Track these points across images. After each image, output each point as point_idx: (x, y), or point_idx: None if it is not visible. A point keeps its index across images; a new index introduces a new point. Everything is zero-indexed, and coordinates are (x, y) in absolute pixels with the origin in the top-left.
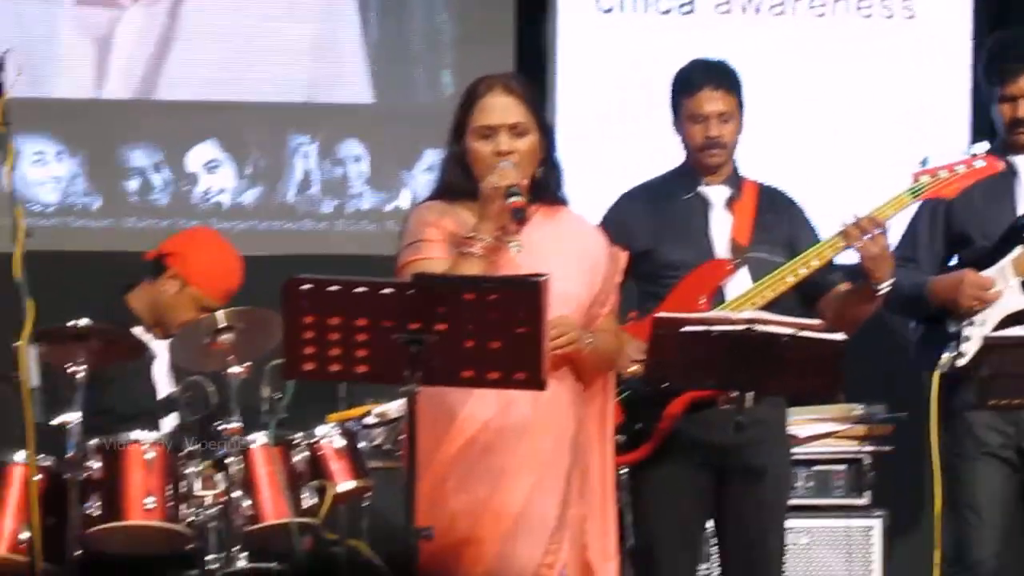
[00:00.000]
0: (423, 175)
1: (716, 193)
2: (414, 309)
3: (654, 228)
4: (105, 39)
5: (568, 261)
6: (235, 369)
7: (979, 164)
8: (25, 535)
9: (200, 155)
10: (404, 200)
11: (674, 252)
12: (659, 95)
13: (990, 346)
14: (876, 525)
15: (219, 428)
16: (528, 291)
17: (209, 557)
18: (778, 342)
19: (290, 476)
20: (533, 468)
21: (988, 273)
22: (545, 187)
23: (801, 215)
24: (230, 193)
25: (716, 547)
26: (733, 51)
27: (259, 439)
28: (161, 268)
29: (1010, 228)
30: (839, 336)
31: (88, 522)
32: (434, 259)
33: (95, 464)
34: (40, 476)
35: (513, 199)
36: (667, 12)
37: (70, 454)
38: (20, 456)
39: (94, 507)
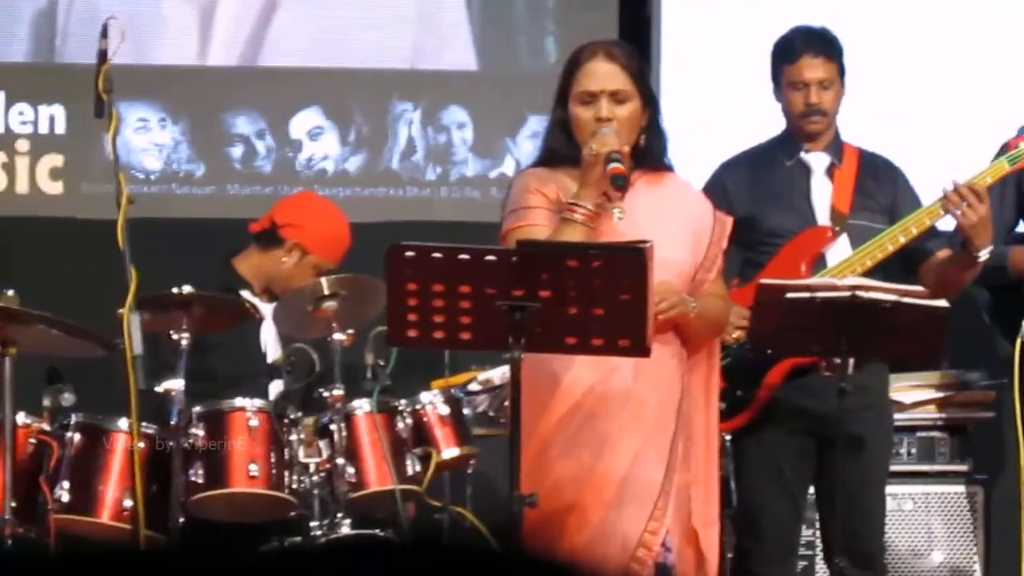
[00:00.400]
0: (527, 142)
1: (817, 160)
2: (517, 276)
3: (755, 195)
4: (208, 5)
5: (672, 228)
6: (339, 336)
7: None
8: (128, 502)
9: (304, 122)
10: (508, 167)
11: (775, 219)
12: (762, 63)
13: None
14: (979, 491)
15: (323, 395)
16: (632, 258)
17: (313, 524)
18: (882, 308)
19: (394, 443)
20: (637, 434)
21: None
22: (649, 154)
23: (903, 181)
24: (333, 160)
25: (818, 513)
26: (835, 18)
27: (363, 406)
28: (275, 238)
29: None
30: (942, 303)
31: (191, 489)
32: (537, 226)
33: (198, 431)
34: (143, 444)
35: (613, 165)
36: None
37: (173, 421)
38: (123, 423)
39: (197, 474)
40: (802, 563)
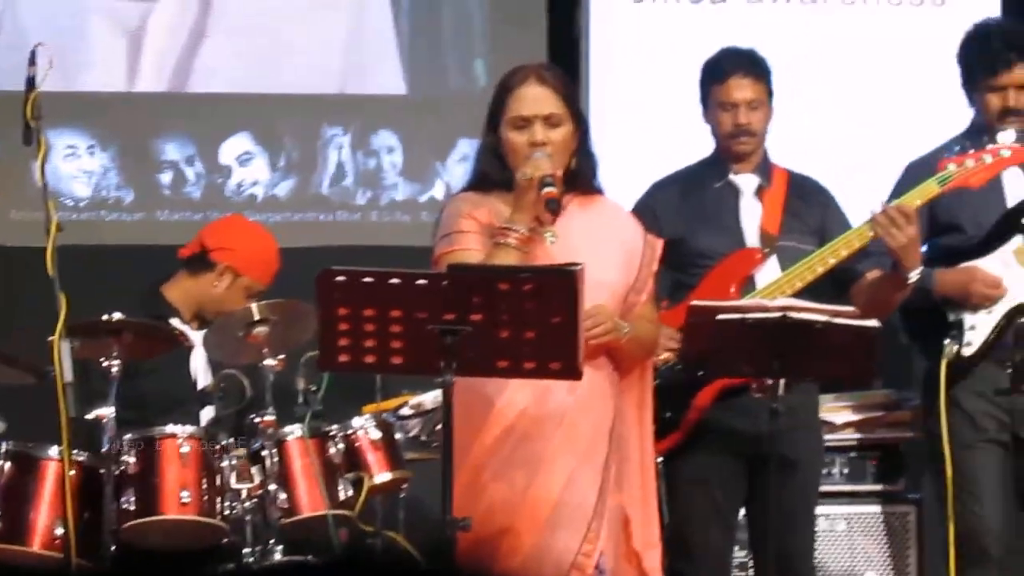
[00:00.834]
0: (457, 165)
1: (746, 182)
2: (449, 300)
3: (684, 217)
4: (136, 32)
5: (604, 250)
6: (270, 361)
7: (1005, 153)
8: (60, 530)
9: (233, 147)
10: (438, 191)
11: (704, 241)
12: (690, 84)
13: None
14: (911, 511)
15: (254, 421)
16: (563, 281)
17: (245, 550)
18: (813, 329)
19: (326, 468)
20: (570, 456)
21: (989, 262)
22: (580, 177)
23: (831, 203)
24: (263, 185)
25: (750, 534)
26: (763, 40)
27: (295, 431)
28: (206, 263)
29: (1004, 217)
30: (873, 323)
31: (123, 517)
32: (469, 250)
33: (130, 458)
34: (75, 471)
35: (547, 189)
36: (699, 1)
37: (105, 448)
38: (54, 451)
39: (129, 502)
40: None
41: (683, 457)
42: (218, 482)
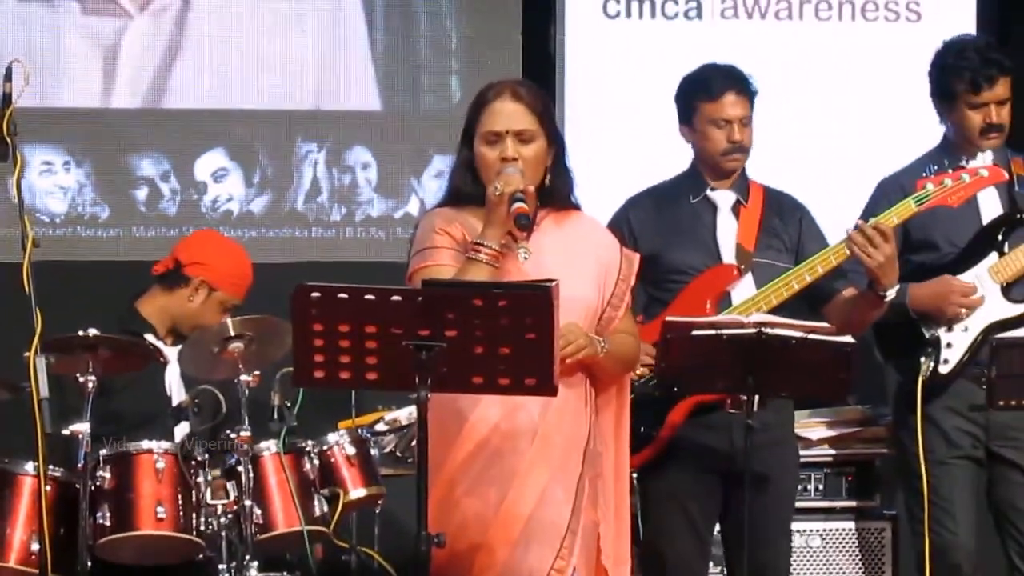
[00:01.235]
0: (432, 181)
1: (723, 198)
2: (423, 316)
3: (660, 232)
4: (112, 49)
5: (579, 266)
6: (245, 377)
7: (984, 173)
8: (35, 546)
9: (208, 164)
10: (413, 207)
11: (680, 257)
12: (664, 100)
13: (999, 347)
14: (886, 527)
15: (230, 437)
16: (537, 297)
17: (221, 566)
18: (788, 345)
19: (301, 484)
20: (544, 471)
21: (964, 280)
22: (555, 193)
23: (808, 220)
24: (239, 201)
25: (724, 551)
26: (738, 57)
27: (270, 447)
28: (180, 278)
29: (980, 234)
30: (848, 339)
31: (99, 532)
32: (443, 266)
33: (106, 474)
34: (50, 487)
35: (517, 205)
36: (673, 18)
37: (80, 464)
38: (30, 467)
39: (105, 517)
40: None
41: (657, 473)
42: (194, 498)
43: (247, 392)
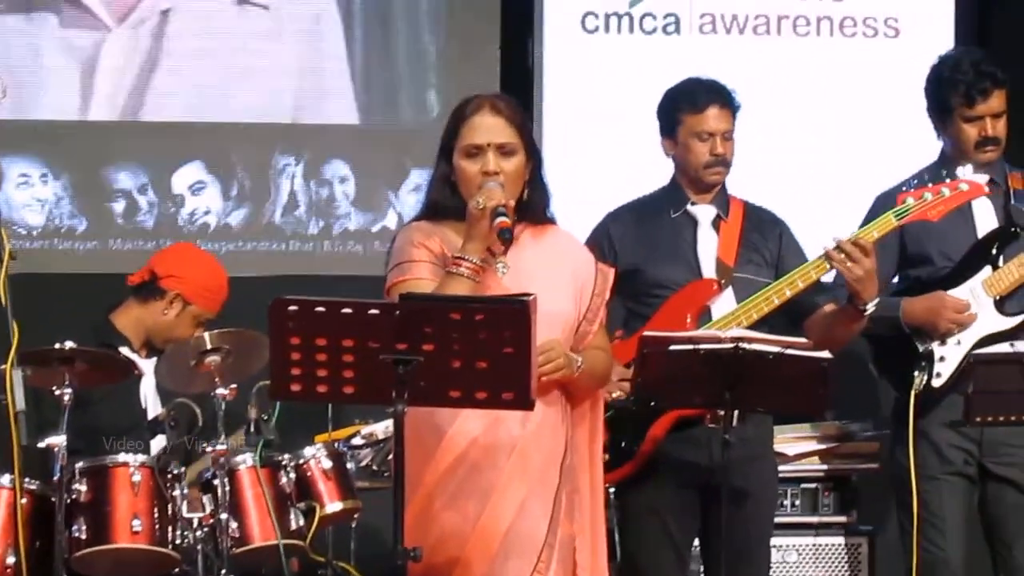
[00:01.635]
0: (409, 195)
1: (703, 212)
2: (401, 329)
3: (641, 247)
4: (90, 61)
5: (556, 280)
6: (221, 391)
7: (964, 187)
8: (11, 559)
9: (185, 176)
10: (391, 220)
11: (661, 271)
12: (643, 115)
13: (976, 363)
14: (863, 543)
15: (206, 450)
16: (515, 311)
17: None
18: (765, 360)
19: (277, 498)
20: (522, 485)
21: (958, 294)
22: (532, 207)
23: (787, 235)
24: (216, 214)
25: (703, 566)
26: (717, 72)
27: (246, 460)
28: (155, 291)
29: (974, 248)
30: (825, 354)
31: (75, 545)
32: (421, 279)
33: (82, 487)
34: (26, 499)
35: (500, 219)
36: (651, 32)
37: (56, 477)
38: (6, 479)
39: (81, 530)
40: None
41: (636, 488)
42: (170, 511)
43: (223, 405)
